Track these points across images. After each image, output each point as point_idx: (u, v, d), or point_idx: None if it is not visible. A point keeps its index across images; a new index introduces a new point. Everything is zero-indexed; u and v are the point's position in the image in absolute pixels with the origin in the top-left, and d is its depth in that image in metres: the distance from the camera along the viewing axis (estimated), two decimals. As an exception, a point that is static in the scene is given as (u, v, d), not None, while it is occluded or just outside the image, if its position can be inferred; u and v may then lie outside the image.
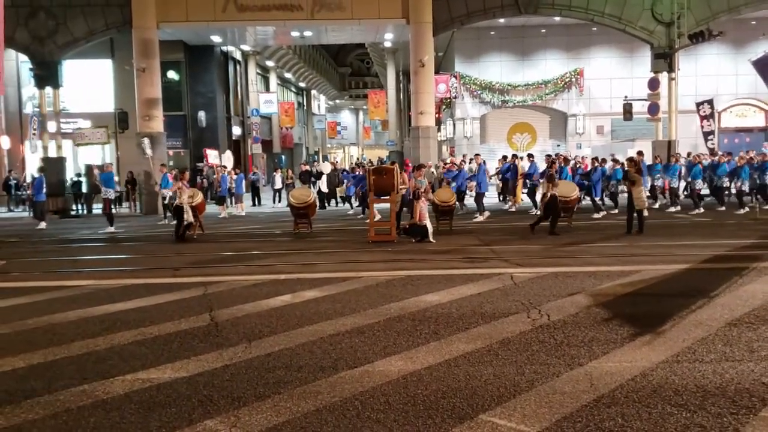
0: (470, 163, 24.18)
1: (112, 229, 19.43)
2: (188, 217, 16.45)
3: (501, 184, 24.45)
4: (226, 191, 25.76)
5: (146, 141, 25.37)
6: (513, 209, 22.71)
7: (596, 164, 21.32)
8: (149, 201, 26.65)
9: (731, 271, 10.03)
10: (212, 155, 29.54)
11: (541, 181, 18.60)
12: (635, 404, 4.99)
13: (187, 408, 5.18)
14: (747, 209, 19.60)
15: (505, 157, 24.35)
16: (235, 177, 26.48)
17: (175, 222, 16.97)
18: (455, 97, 34.76)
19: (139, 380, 5.83)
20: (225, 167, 27.01)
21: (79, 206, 29.08)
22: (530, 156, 22.47)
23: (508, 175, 23.09)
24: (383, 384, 5.57)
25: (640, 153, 20.33)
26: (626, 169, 16.30)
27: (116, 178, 25.20)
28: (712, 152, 25.73)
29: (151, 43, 27.21)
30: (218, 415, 5.02)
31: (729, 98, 34.13)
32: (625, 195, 16.51)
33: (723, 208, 20.16)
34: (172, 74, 34.76)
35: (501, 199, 24.97)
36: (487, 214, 19.75)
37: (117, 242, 17.52)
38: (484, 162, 21.81)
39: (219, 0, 27.51)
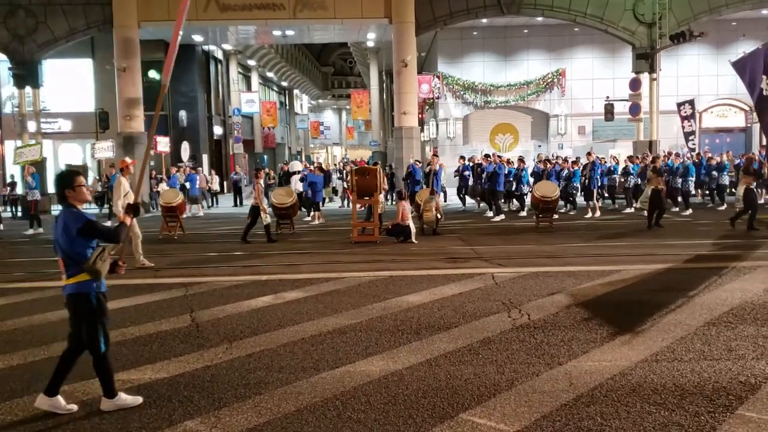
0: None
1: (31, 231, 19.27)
2: (265, 217, 15.57)
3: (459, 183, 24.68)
4: (196, 190, 25.38)
5: (106, 144, 25.33)
6: (477, 210, 22.95)
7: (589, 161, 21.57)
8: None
9: (710, 271, 10.15)
10: (162, 142, 28.43)
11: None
12: (614, 403, 5.03)
13: (167, 409, 5.17)
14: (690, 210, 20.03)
15: (462, 158, 24.73)
16: (185, 175, 25.94)
17: (248, 222, 15.81)
18: (438, 98, 34.79)
19: (119, 381, 5.78)
20: (188, 166, 26.27)
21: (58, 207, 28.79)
22: (486, 156, 22.51)
23: (467, 174, 23.26)
24: (364, 384, 5.59)
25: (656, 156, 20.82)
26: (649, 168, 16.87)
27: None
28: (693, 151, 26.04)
29: (132, 42, 26.99)
30: (199, 415, 5.01)
31: (710, 99, 34.42)
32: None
33: (690, 210, 20.26)
34: (153, 74, 34.48)
35: (460, 198, 25.09)
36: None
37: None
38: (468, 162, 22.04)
39: (201, -1, 27.39)
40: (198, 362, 6.28)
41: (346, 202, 27.02)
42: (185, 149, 29.31)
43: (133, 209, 5.38)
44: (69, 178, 5.16)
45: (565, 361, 6.07)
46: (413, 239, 14.92)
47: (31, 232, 19.23)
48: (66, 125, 33.29)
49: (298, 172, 24.64)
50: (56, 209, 27.45)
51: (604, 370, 5.75)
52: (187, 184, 25.22)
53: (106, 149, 25.89)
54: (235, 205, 29.96)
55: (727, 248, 12.81)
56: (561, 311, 7.89)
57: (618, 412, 4.87)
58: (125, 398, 5.20)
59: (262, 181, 16.20)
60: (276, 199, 17.93)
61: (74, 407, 5.18)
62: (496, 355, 6.29)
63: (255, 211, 15.66)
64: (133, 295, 9.51)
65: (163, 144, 27.41)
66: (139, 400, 5.24)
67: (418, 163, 23.66)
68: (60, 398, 5.15)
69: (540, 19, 30.50)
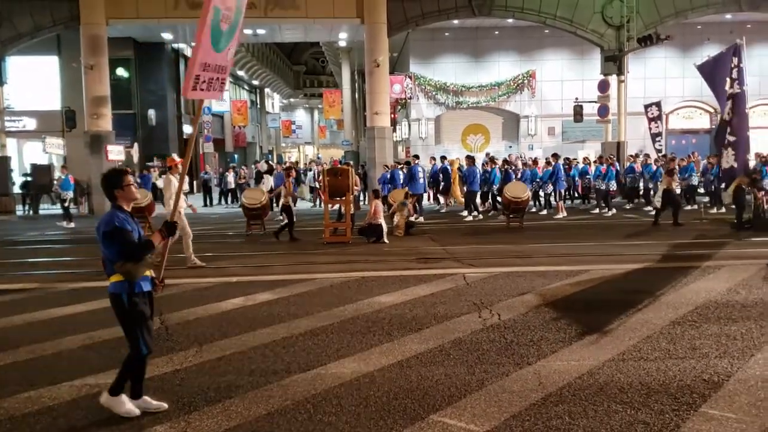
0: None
1: None
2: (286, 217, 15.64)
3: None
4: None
5: (54, 142, 24.96)
6: (444, 210, 23.07)
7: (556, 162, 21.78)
8: (99, 201, 26.03)
9: (676, 270, 10.33)
10: (114, 151, 26.69)
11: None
12: (582, 402, 5.11)
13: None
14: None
15: (433, 158, 25.02)
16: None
17: (285, 222, 15.76)
18: (410, 98, 34.87)
19: (87, 386, 5.74)
20: (158, 167, 25.71)
21: (26, 207, 28.39)
22: (469, 158, 22.68)
23: (440, 177, 23.47)
24: (336, 386, 5.59)
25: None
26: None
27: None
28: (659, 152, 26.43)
29: (99, 39, 26.60)
30: (168, 420, 4.98)
31: (676, 100, 34.96)
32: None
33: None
34: (121, 72, 34.07)
35: (431, 199, 25.19)
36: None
37: (65, 244, 17.14)
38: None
39: (170, -4, 27.09)
40: (167, 366, 6.23)
41: (318, 201, 26.94)
42: (135, 152, 28.16)
43: (168, 228, 5.15)
44: (117, 177, 5.05)
45: (535, 360, 6.14)
46: (385, 239, 14.96)
47: None
48: (31, 123, 32.67)
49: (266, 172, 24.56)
50: (20, 209, 26.95)
51: (572, 370, 5.83)
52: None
53: (56, 146, 25.42)
54: (205, 205, 29.70)
55: (692, 248, 13.03)
56: (531, 311, 7.97)
57: (586, 411, 4.94)
58: (124, 402, 5.08)
59: (292, 180, 16.23)
60: (247, 199, 17.84)
61: (164, 405, 5.16)
62: (466, 356, 6.33)
63: (288, 210, 15.65)
64: (102, 297, 9.38)
65: (116, 153, 26.26)
66: (136, 412, 5.05)
67: (415, 159, 23.40)
68: (145, 398, 5.15)
69: (511, 20, 30.73)
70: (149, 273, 5.10)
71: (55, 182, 28.87)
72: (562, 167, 22.00)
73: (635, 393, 5.27)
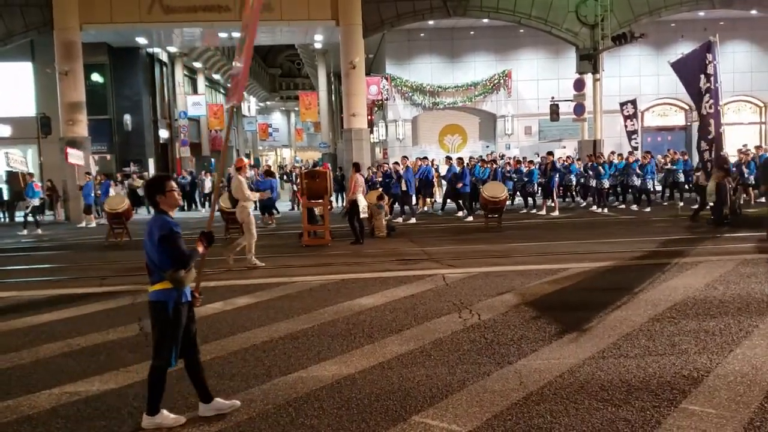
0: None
1: None
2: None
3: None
4: (91, 199, 23.93)
5: (17, 157, 24.75)
6: (423, 210, 22.96)
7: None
8: (74, 207, 25.74)
9: (654, 267, 10.42)
10: (74, 155, 25.55)
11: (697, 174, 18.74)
12: (563, 401, 5.13)
13: (116, 421, 5.08)
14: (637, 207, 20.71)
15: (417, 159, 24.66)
16: (100, 183, 24.62)
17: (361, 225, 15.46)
18: (387, 99, 34.90)
19: (66, 393, 5.67)
20: (89, 174, 25.13)
21: (2, 214, 28.03)
22: (449, 159, 22.78)
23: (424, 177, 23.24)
24: (317, 389, 5.57)
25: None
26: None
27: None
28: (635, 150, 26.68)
29: (73, 45, 26.33)
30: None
31: (651, 98, 35.35)
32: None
33: (649, 208, 20.77)
34: (96, 77, 33.71)
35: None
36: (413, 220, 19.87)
37: (41, 251, 16.93)
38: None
39: (144, 1, 26.84)
40: (147, 372, 6.16)
41: (296, 204, 26.84)
42: (89, 160, 27.17)
43: (207, 237, 5.10)
44: (160, 183, 5.02)
45: (515, 360, 6.16)
46: (361, 240, 15.00)
47: None
48: (5, 130, 32.28)
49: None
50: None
51: (553, 368, 5.86)
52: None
53: (19, 162, 25.13)
54: (182, 209, 29.48)
55: (670, 245, 13.16)
56: (510, 310, 8.00)
57: (567, 409, 4.97)
58: (167, 416, 4.98)
59: (360, 177, 16.10)
60: (224, 203, 17.73)
61: (237, 403, 5.17)
62: (447, 356, 6.34)
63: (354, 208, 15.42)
64: (79, 304, 9.30)
65: (76, 157, 25.34)
66: (182, 420, 4.98)
67: (425, 160, 23.25)
68: (217, 400, 5.12)
69: (486, 20, 30.88)
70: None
71: None
72: (556, 165, 22.15)
73: (616, 390, 5.31)
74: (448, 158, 22.49)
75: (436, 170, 25.14)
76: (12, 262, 14.63)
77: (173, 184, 5.09)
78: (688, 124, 35.74)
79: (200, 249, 5.04)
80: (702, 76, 15.83)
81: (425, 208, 23.51)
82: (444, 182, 23.07)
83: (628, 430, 4.59)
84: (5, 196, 27.74)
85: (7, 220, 27.42)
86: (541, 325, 7.29)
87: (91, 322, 8.21)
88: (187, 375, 5.12)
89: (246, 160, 12.82)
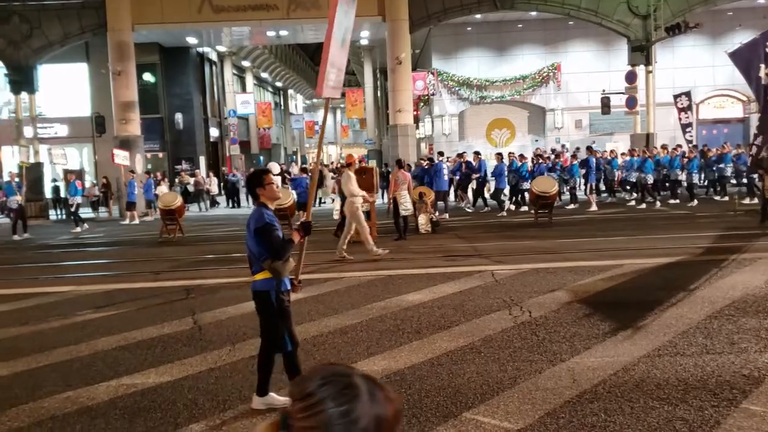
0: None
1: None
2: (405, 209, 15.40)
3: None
4: (134, 196, 24.53)
5: (57, 151, 25.36)
6: (469, 209, 22.44)
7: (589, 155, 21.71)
8: (124, 205, 26.31)
9: (711, 264, 10.15)
10: (120, 155, 26.04)
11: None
12: (617, 399, 5.04)
13: (172, 412, 5.17)
14: (696, 202, 20.11)
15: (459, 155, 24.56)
16: (143, 182, 25.30)
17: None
18: (433, 94, 34.76)
19: (124, 385, 5.80)
20: (133, 172, 25.65)
21: (58, 211, 28.87)
22: (477, 154, 22.58)
23: (457, 175, 22.97)
24: (368, 385, 5.57)
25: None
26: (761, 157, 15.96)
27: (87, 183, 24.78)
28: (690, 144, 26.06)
29: (126, 45, 26.95)
30: (204, 418, 5.02)
31: (707, 90, 34.38)
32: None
33: (695, 202, 20.28)
34: (148, 77, 34.43)
35: (454, 197, 25.05)
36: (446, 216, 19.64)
37: (97, 247, 17.38)
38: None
39: (194, 1, 27.30)
40: (201, 365, 6.28)
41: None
42: (139, 161, 27.74)
43: (305, 228, 5.23)
44: (260, 177, 5.21)
45: (568, 357, 6.07)
46: (403, 236, 14.97)
47: (16, 237, 19.20)
48: (62, 130, 33.27)
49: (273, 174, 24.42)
50: (53, 215, 27.33)
51: (606, 366, 5.75)
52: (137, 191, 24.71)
53: (61, 157, 25.86)
54: (232, 206, 29.93)
55: (725, 240, 12.82)
56: (562, 307, 7.89)
57: (621, 407, 4.87)
58: (276, 398, 5.17)
59: (402, 173, 16.01)
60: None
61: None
62: (498, 353, 6.29)
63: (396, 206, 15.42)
64: (135, 299, 9.51)
65: (122, 157, 25.79)
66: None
67: (478, 156, 23.07)
68: (273, 394, 5.22)
69: (534, 13, 30.51)
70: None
71: (86, 187, 29.38)
72: (594, 160, 21.83)
73: (672, 389, 5.18)
74: (497, 154, 22.28)
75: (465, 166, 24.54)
76: (70, 258, 15.05)
77: (272, 177, 5.28)
78: (746, 116, 34.69)
79: (296, 239, 5.15)
80: (762, 66, 15.31)
81: (465, 204, 23.34)
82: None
83: (686, 430, 4.48)
84: (61, 194, 28.55)
85: (64, 217, 28.19)
86: (594, 322, 7.17)
87: (147, 316, 8.39)
88: (258, 363, 5.25)
89: (356, 156, 13.01)
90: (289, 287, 5.18)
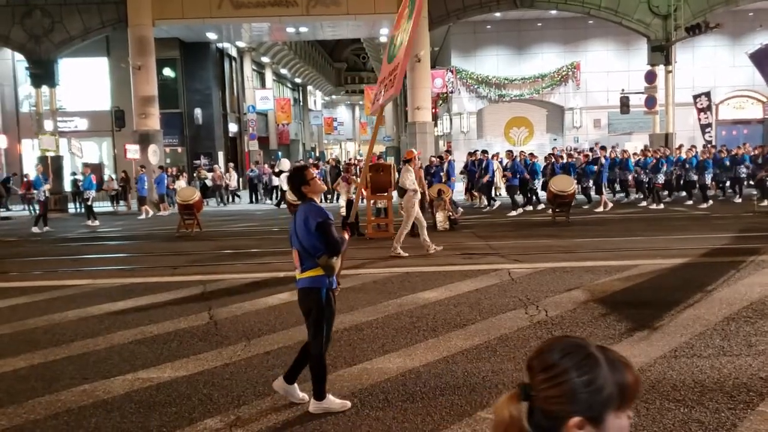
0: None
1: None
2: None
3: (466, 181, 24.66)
4: (145, 191, 24.93)
5: (77, 144, 25.59)
6: (486, 208, 22.30)
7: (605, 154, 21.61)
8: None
9: (728, 265, 10.06)
10: (131, 150, 26.52)
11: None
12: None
13: (187, 407, 5.20)
14: (711, 202, 19.88)
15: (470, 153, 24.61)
16: (155, 176, 25.56)
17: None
18: (452, 92, 34.72)
19: (140, 380, 5.85)
20: (143, 167, 25.59)
21: (77, 204, 29.14)
22: (484, 152, 22.53)
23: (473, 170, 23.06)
24: (382, 381, 5.60)
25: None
26: None
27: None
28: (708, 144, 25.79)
29: (146, 40, 27.16)
30: (218, 414, 5.04)
31: (726, 90, 34.06)
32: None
33: (710, 203, 20.08)
34: (167, 71, 34.67)
35: (465, 195, 25.00)
36: (460, 210, 19.55)
37: (114, 241, 17.52)
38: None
39: (214, -4, 27.49)
40: (217, 360, 6.32)
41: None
42: (154, 152, 27.92)
43: (351, 227, 5.21)
44: (302, 174, 5.14)
45: (583, 357, 6.02)
46: (427, 240, 14.91)
47: (36, 230, 19.40)
48: (82, 124, 33.60)
49: (284, 171, 24.56)
50: (72, 208, 27.58)
51: (622, 367, 5.71)
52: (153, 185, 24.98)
53: (77, 149, 26.19)
54: (251, 201, 30.06)
55: (743, 241, 12.69)
56: (578, 307, 7.85)
57: (637, 409, 4.84)
58: (333, 401, 5.05)
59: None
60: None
61: (306, 397, 5.17)
62: (514, 352, 6.27)
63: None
64: (152, 293, 9.58)
65: (133, 152, 26.28)
66: (348, 404, 5.06)
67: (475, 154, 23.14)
68: (296, 387, 5.18)
69: (554, 12, 30.37)
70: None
71: (105, 180, 29.60)
72: (608, 159, 21.73)
73: (688, 391, 5.15)
74: (508, 152, 22.29)
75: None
76: (87, 251, 15.19)
77: (313, 171, 5.23)
78: (766, 117, 34.33)
79: (345, 236, 5.15)
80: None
81: (479, 202, 23.28)
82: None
83: (701, 433, 4.45)
84: (80, 187, 28.82)
85: (82, 210, 28.44)
86: (611, 322, 7.14)
87: (163, 311, 8.45)
88: (300, 353, 5.23)
89: (416, 152, 13.10)
90: (335, 285, 5.14)
